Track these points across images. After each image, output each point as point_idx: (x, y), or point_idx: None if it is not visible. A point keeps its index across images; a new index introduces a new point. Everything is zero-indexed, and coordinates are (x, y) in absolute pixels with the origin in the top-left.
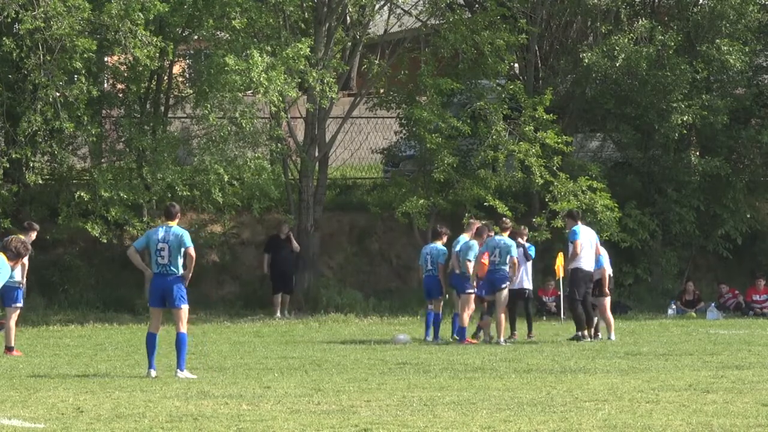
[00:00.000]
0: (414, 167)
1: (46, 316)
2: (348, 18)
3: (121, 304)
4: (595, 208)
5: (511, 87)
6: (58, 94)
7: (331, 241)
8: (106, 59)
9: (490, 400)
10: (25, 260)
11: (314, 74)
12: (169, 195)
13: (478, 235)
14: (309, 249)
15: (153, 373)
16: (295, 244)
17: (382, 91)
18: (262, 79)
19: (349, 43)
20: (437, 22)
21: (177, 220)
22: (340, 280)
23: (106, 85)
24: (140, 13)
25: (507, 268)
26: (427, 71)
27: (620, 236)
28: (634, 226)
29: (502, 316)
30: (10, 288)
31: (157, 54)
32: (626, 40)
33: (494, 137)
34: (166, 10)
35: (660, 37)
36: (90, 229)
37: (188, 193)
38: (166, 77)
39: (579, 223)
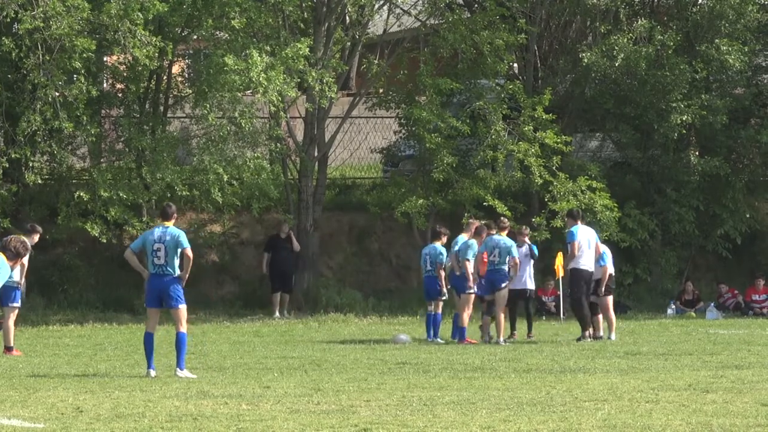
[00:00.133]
0: (413, 167)
1: (46, 316)
2: (347, 18)
3: (120, 304)
4: (595, 208)
5: (511, 87)
6: (57, 93)
7: (330, 241)
8: (105, 59)
9: (490, 400)
10: (25, 260)
11: (313, 74)
12: (169, 195)
13: (477, 234)
14: (308, 249)
15: (152, 373)
16: (295, 243)
17: (381, 91)
18: (261, 79)
19: (349, 43)
20: (436, 22)
21: (173, 221)
22: (340, 280)
23: (105, 85)
24: (139, 13)
25: (507, 268)
26: (427, 71)
27: (619, 236)
28: (633, 226)
29: (502, 315)
30: (8, 288)
31: (157, 54)
32: (625, 40)
33: (493, 137)
34: (166, 9)
35: (659, 37)
36: (89, 229)
37: (187, 193)
38: (165, 77)
39: (579, 222)
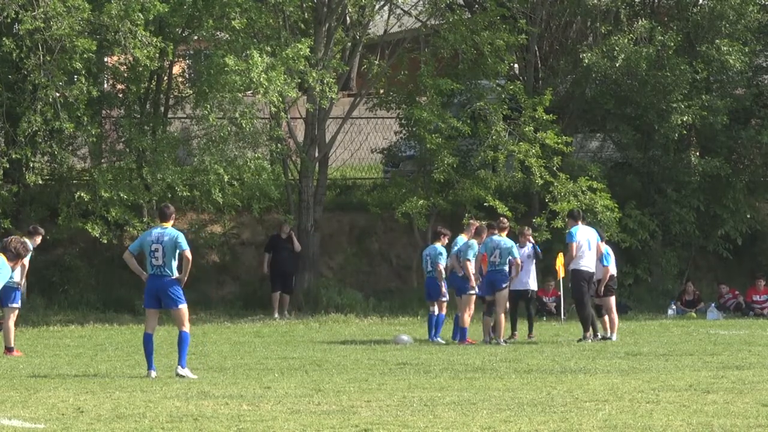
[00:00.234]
0: (414, 167)
1: (47, 316)
2: (348, 18)
3: (121, 305)
4: (595, 209)
5: (511, 87)
6: (58, 94)
7: (331, 241)
8: (106, 59)
9: (491, 401)
10: (26, 261)
11: (314, 74)
12: (169, 195)
13: (477, 234)
14: (309, 249)
15: (153, 373)
16: (296, 243)
17: (381, 91)
18: (262, 79)
19: (349, 44)
20: (437, 22)
21: (172, 222)
22: (340, 280)
23: (106, 86)
24: (140, 14)
25: (507, 268)
26: (427, 71)
27: (620, 236)
28: (634, 227)
29: (502, 316)
30: (8, 288)
31: (157, 54)
32: (626, 40)
33: (494, 137)
34: (166, 10)
35: (660, 37)
36: (90, 230)
37: (188, 194)
38: (166, 77)
39: (579, 223)
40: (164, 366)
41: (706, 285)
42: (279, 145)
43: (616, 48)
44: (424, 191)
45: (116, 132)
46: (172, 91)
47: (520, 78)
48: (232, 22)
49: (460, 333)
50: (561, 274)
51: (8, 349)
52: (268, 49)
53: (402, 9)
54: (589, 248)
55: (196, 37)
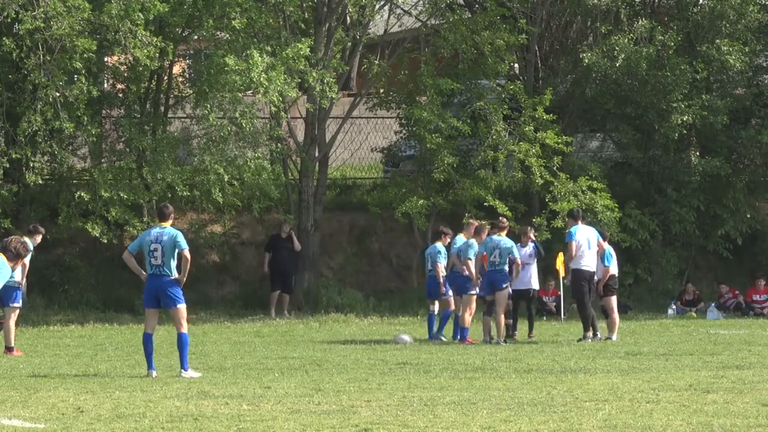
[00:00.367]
0: (414, 167)
1: (47, 316)
2: (348, 18)
3: (121, 304)
4: (595, 208)
5: (511, 87)
6: (58, 94)
7: (331, 241)
8: (106, 59)
9: (491, 400)
10: (26, 260)
11: (314, 74)
12: (169, 195)
13: (476, 233)
14: (309, 249)
15: (153, 373)
16: (296, 243)
17: (382, 91)
18: (262, 79)
19: (349, 43)
20: (437, 22)
21: (171, 221)
22: (340, 280)
23: (106, 85)
24: (140, 14)
25: (507, 268)
26: (427, 71)
27: (620, 236)
28: (634, 227)
29: (502, 316)
30: (9, 288)
31: (157, 54)
32: (626, 40)
33: (494, 137)
34: (166, 10)
35: (660, 37)
36: (90, 230)
37: (188, 193)
38: (166, 77)
39: (579, 222)
40: (164, 366)
41: (706, 285)
42: (279, 144)
43: (616, 48)
44: (424, 191)
45: (116, 132)
46: (172, 91)
47: (520, 78)
48: (232, 22)
49: (460, 333)
50: (562, 273)
51: (8, 349)
52: (268, 48)
53: (402, 9)
54: (589, 247)
55: (196, 37)
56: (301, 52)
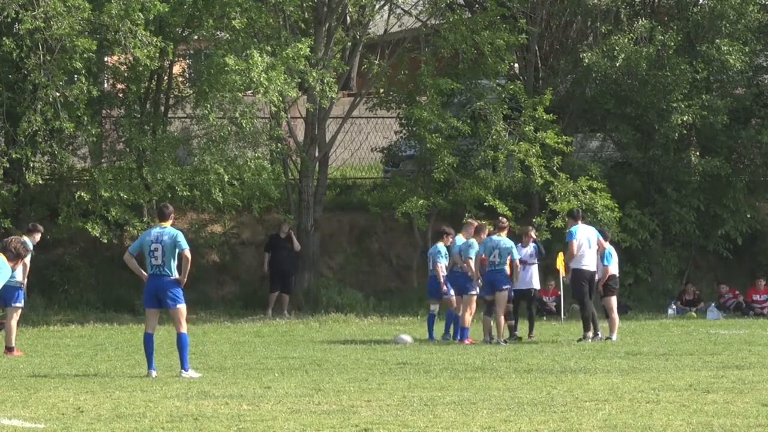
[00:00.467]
0: (414, 167)
1: (47, 316)
2: (348, 18)
3: (121, 304)
4: (596, 208)
5: (511, 87)
6: (58, 94)
7: (331, 241)
8: (106, 59)
9: (491, 400)
10: (27, 260)
11: (314, 74)
12: (170, 195)
13: (476, 233)
14: (309, 249)
15: (153, 373)
16: (296, 243)
17: (382, 91)
18: (262, 79)
19: (349, 43)
20: (437, 22)
21: (171, 221)
22: (340, 280)
23: (106, 85)
24: (140, 13)
25: (507, 268)
26: (427, 71)
27: (620, 236)
28: (634, 226)
29: (502, 316)
30: (11, 288)
31: (157, 54)
32: (626, 40)
33: (494, 137)
34: (166, 10)
35: (660, 37)
36: (90, 229)
37: (188, 193)
38: (166, 77)
39: (579, 222)
40: (164, 366)
41: (706, 285)
42: (279, 144)
43: (616, 48)
44: (424, 191)
45: (116, 132)
46: (172, 91)
47: (520, 78)
48: (233, 22)
49: (460, 333)
50: (562, 273)
51: (8, 349)
52: (269, 48)
53: (402, 9)
54: (590, 247)
55: (196, 37)
56: (301, 52)
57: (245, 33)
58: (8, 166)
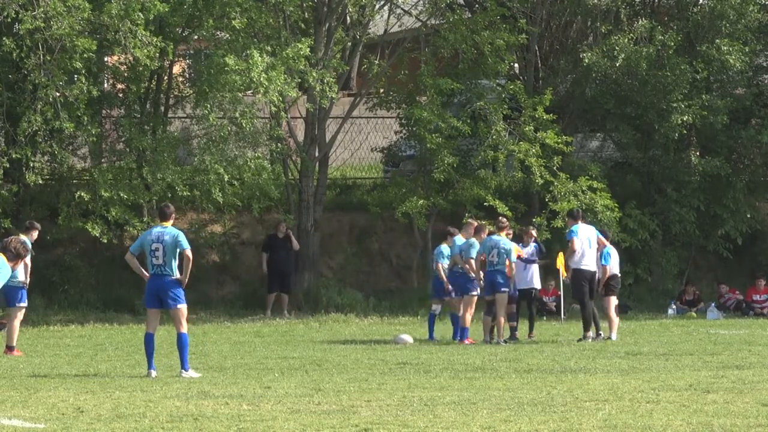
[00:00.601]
0: (414, 167)
1: (47, 316)
2: (348, 18)
3: (121, 304)
4: (596, 208)
5: (511, 87)
6: (58, 94)
7: (331, 241)
8: (106, 59)
9: (491, 400)
10: (27, 260)
11: (314, 74)
12: (170, 195)
13: (476, 233)
14: (309, 249)
15: (153, 373)
16: (294, 242)
17: (382, 91)
18: (262, 79)
19: (349, 43)
20: (437, 22)
21: (172, 221)
22: (340, 280)
23: (106, 85)
24: (140, 13)
25: (506, 268)
26: (427, 71)
27: (620, 236)
28: (634, 226)
29: (502, 316)
30: (14, 288)
31: (157, 54)
32: (626, 40)
33: (494, 137)
34: (166, 10)
35: (660, 37)
36: (90, 229)
37: (188, 193)
38: (166, 77)
39: (579, 222)
40: (164, 366)
41: (706, 285)
42: (279, 144)
43: (616, 48)
44: (424, 191)
45: (116, 132)
46: (172, 91)
47: (520, 78)
48: (233, 22)
49: (460, 333)
50: (563, 273)
51: (9, 348)
52: (269, 48)
53: (402, 9)
54: (590, 246)
55: (196, 37)
56: (301, 52)
57: (245, 33)
58: (8, 166)
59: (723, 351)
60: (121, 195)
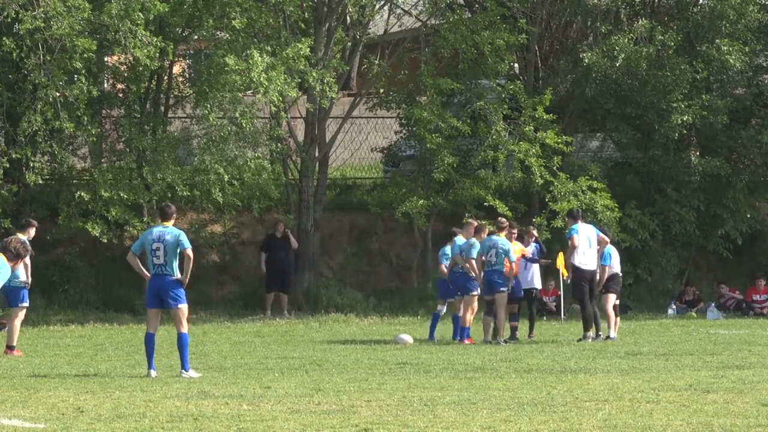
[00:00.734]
0: (414, 167)
1: (47, 316)
2: (348, 18)
3: (121, 304)
4: (596, 208)
5: (511, 87)
6: (58, 94)
7: (331, 241)
8: (106, 59)
9: (491, 400)
10: (27, 259)
11: (314, 74)
12: (170, 195)
13: (476, 233)
14: (309, 249)
15: (153, 373)
16: (293, 241)
17: (382, 91)
18: (262, 79)
19: (349, 43)
20: (437, 22)
21: (173, 221)
22: (340, 280)
23: (106, 85)
24: (140, 13)
25: (504, 268)
26: (427, 71)
27: (620, 236)
28: (634, 226)
29: (502, 316)
30: (15, 288)
31: (157, 54)
32: (626, 40)
33: (494, 137)
34: (166, 10)
35: (660, 37)
36: (90, 229)
37: (188, 193)
38: (166, 77)
39: (579, 222)
40: (164, 366)
41: (706, 285)
42: (279, 144)
43: (616, 48)
44: (424, 191)
45: (116, 132)
46: (172, 91)
47: (520, 78)
48: (233, 22)
49: (461, 333)
50: (564, 273)
51: (9, 348)
52: (268, 48)
53: (402, 9)
54: (590, 246)
55: (196, 37)
56: (301, 52)
57: (245, 33)
58: (8, 166)
59: (723, 351)
60: (121, 195)
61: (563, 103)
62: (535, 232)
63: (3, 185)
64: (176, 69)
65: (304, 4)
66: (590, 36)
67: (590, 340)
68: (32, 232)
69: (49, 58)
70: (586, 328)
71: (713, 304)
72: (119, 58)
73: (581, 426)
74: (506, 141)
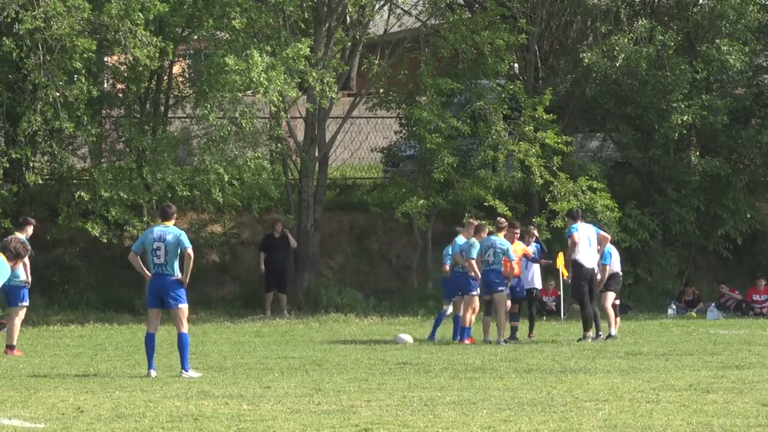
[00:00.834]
0: (414, 167)
1: (47, 316)
2: (348, 18)
3: (121, 304)
4: (595, 208)
5: (511, 87)
6: (58, 94)
7: (331, 241)
8: (106, 59)
9: (491, 400)
10: (26, 259)
11: (314, 74)
12: (170, 195)
13: (476, 233)
14: (309, 249)
15: (153, 373)
16: (292, 240)
17: (381, 91)
18: (262, 79)
19: (349, 43)
20: (437, 22)
21: (173, 221)
22: (340, 280)
23: (106, 85)
24: (140, 13)
25: (501, 267)
26: (427, 71)
27: (620, 236)
28: (634, 226)
29: (503, 316)
30: (15, 288)
31: (157, 54)
32: (626, 40)
33: (494, 137)
34: (166, 10)
35: (660, 37)
36: (90, 229)
37: (188, 193)
38: (166, 77)
39: (578, 222)
40: (164, 366)
41: (706, 285)
42: (279, 144)
43: (616, 48)
44: (424, 191)
45: (116, 132)
46: (172, 91)
47: (520, 78)
48: (232, 22)
49: (461, 333)
50: (564, 273)
51: (9, 347)
52: (268, 48)
53: (402, 9)
54: (590, 246)
55: (196, 37)
56: (301, 52)
57: (245, 33)
58: (8, 166)
59: (723, 351)
60: (121, 195)
61: (563, 103)
62: (535, 232)
63: (3, 185)
64: (176, 69)
65: (304, 4)
66: (590, 36)
67: (590, 340)
68: (30, 230)
69: (49, 58)
70: (586, 328)
71: (713, 304)
72: (119, 58)
73: (581, 426)
74: (506, 141)
